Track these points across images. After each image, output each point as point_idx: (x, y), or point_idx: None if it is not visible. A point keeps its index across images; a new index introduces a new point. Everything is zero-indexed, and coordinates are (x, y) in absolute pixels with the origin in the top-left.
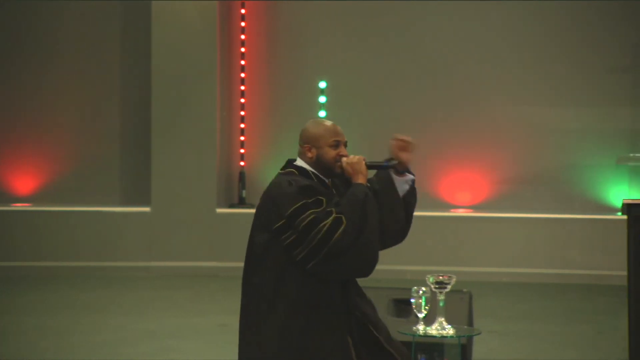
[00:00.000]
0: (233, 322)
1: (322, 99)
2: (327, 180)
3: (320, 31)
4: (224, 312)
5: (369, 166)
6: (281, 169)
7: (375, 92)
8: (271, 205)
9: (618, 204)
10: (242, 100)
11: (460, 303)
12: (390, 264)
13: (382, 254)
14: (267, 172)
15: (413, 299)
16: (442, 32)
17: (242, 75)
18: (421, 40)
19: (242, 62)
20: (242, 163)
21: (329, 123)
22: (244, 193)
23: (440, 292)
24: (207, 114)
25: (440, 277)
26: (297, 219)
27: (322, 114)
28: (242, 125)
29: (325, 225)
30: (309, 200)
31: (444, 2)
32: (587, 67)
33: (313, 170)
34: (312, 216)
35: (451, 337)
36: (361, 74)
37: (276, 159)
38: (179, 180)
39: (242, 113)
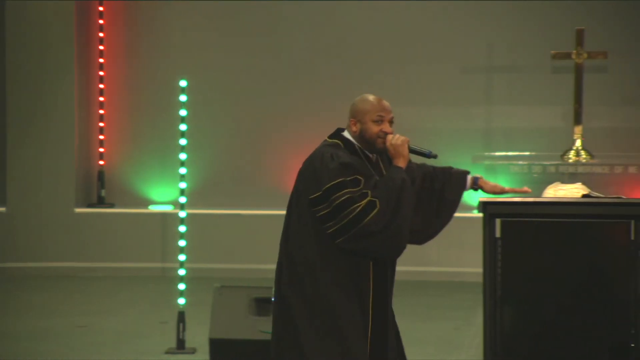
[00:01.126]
0: (92, 323)
1: (183, 98)
2: (371, 156)
3: (180, 29)
4: (82, 314)
5: (412, 150)
6: (329, 137)
7: (237, 91)
8: (312, 176)
9: (474, 202)
10: (101, 98)
11: None
12: (252, 262)
13: (239, 252)
14: (127, 171)
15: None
16: (303, 31)
17: (101, 73)
18: (283, 39)
19: (101, 60)
20: (101, 162)
21: (376, 99)
22: (103, 192)
23: None
24: (65, 113)
25: None
26: (333, 195)
27: (182, 112)
28: (101, 124)
29: (358, 207)
30: (347, 179)
31: (304, 2)
32: (442, 66)
33: (358, 144)
34: (347, 196)
35: None
36: (222, 72)
37: (137, 158)
38: (35, 179)
39: (101, 112)
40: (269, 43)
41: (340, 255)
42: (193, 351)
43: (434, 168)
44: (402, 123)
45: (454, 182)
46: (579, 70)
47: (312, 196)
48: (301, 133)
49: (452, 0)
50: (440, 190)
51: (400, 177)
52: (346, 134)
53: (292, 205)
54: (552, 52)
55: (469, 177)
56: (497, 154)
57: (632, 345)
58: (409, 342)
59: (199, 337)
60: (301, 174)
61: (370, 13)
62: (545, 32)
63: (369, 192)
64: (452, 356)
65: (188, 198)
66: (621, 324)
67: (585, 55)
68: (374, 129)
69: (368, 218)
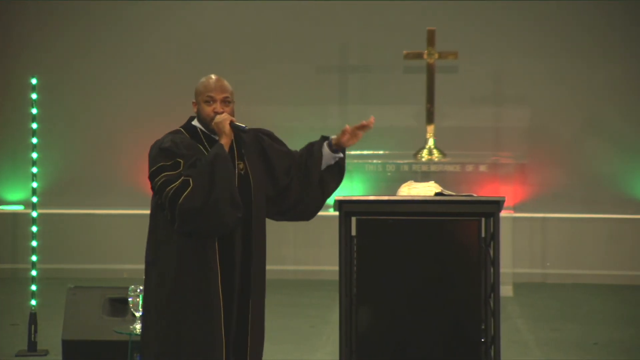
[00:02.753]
0: None
1: (34, 96)
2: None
3: (31, 27)
4: None
5: (233, 127)
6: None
7: (90, 90)
8: (148, 166)
9: (330, 200)
10: None
11: None
12: (106, 263)
13: (93, 253)
14: None
15: (130, 297)
16: (157, 30)
17: None
18: (136, 38)
19: None
20: None
21: (211, 78)
22: None
23: None
24: None
25: None
26: (153, 181)
27: (34, 111)
28: None
29: (172, 188)
30: (167, 163)
31: (158, 2)
32: (297, 66)
33: (201, 127)
34: (163, 179)
35: None
36: (76, 71)
37: None
38: None
39: None
40: (122, 42)
41: (180, 248)
42: (45, 353)
43: (312, 146)
44: (257, 122)
45: (315, 156)
46: (430, 70)
47: (150, 186)
48: (155, 132)
49: (305, 0)
50: (308, 167)
51: (214, 152)
52: (195, 120)
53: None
54: (405, 52)
55: (325, 146)
56: (352, 152)
57: (483, 340)
58: (266, 341)
59: (51, 338)
60: None
61: (224, 13)
62: (398, 32)
63: (184, 172)
64: (308, 355)
65: (40, 198)
66: (472, 319)
67: (436, 55)
68: (206, 109)
69: (182, 197)
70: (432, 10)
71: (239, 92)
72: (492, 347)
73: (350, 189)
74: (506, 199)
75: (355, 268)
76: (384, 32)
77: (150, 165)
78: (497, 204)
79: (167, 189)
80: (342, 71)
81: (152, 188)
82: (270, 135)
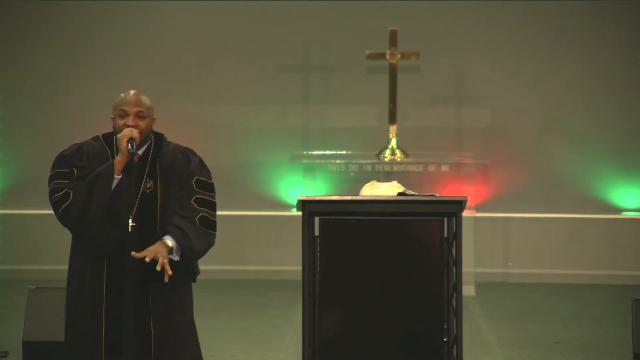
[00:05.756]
0: None
1: None
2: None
3: None
4: None
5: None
6: None
7: (50, 90)
8: None
9: (293, 200)
10: None
11: None
12: (67, 263)
13: (54, 253)
14: None
15: None
16: (115, 30)
17: None
18: (94, 39)
19: None
20: None
21: (128, 93)
22: None
23: None
24: None
25: None
26: (48, 185)
27: None
28: None
29: (55, 198)
30: (64, 170)
31: (117, 2)
32: (258, 66)
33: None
34: (53, 186)
35: None
36: (34, 71)
37: None
38: None
39: None
40: (80, 43)
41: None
42: (5, 354)
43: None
44: (221, 122)
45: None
46: (392, 71)
47: None
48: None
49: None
50: None
51: (99, 170)
52: None
53: None
54: (367, 52)
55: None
56: (315, 152)
57: (445, 339)
58: (228, 342)
59: (12, 339)
60: None
61: (185, 12)
62: (360, 32)
63: (68, 184)
64: (271, 355)
65: (1, 198)
66: (435, 318)
67: (398, 55)
68: (119, 122)
69: (61, 209)
70: (394, 10)
71: (199, 92)
72: (455, 347)
73: (313, 189)
74: (468, 198)
75: (318, 268)
76: (346, 32)
77: (51, 169)
78: (459, 204)
79: (53, 197)
80: (303, 71)
81: None
82: (195, 168)
